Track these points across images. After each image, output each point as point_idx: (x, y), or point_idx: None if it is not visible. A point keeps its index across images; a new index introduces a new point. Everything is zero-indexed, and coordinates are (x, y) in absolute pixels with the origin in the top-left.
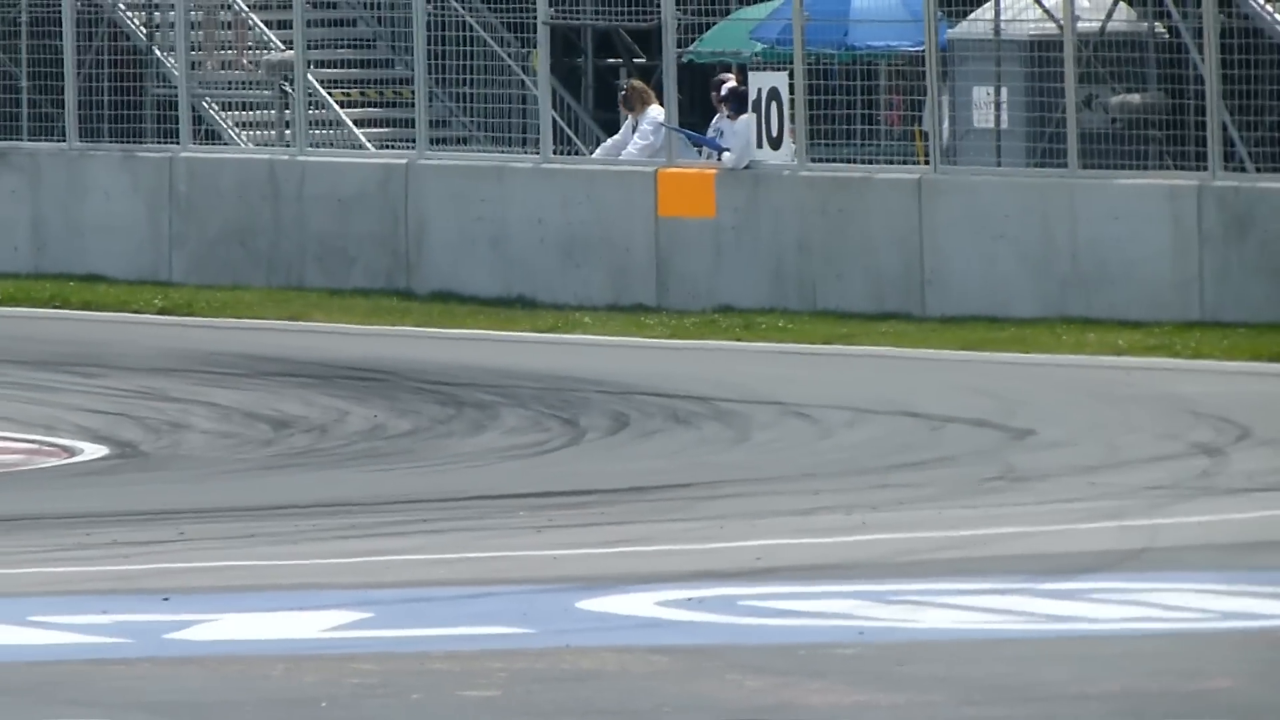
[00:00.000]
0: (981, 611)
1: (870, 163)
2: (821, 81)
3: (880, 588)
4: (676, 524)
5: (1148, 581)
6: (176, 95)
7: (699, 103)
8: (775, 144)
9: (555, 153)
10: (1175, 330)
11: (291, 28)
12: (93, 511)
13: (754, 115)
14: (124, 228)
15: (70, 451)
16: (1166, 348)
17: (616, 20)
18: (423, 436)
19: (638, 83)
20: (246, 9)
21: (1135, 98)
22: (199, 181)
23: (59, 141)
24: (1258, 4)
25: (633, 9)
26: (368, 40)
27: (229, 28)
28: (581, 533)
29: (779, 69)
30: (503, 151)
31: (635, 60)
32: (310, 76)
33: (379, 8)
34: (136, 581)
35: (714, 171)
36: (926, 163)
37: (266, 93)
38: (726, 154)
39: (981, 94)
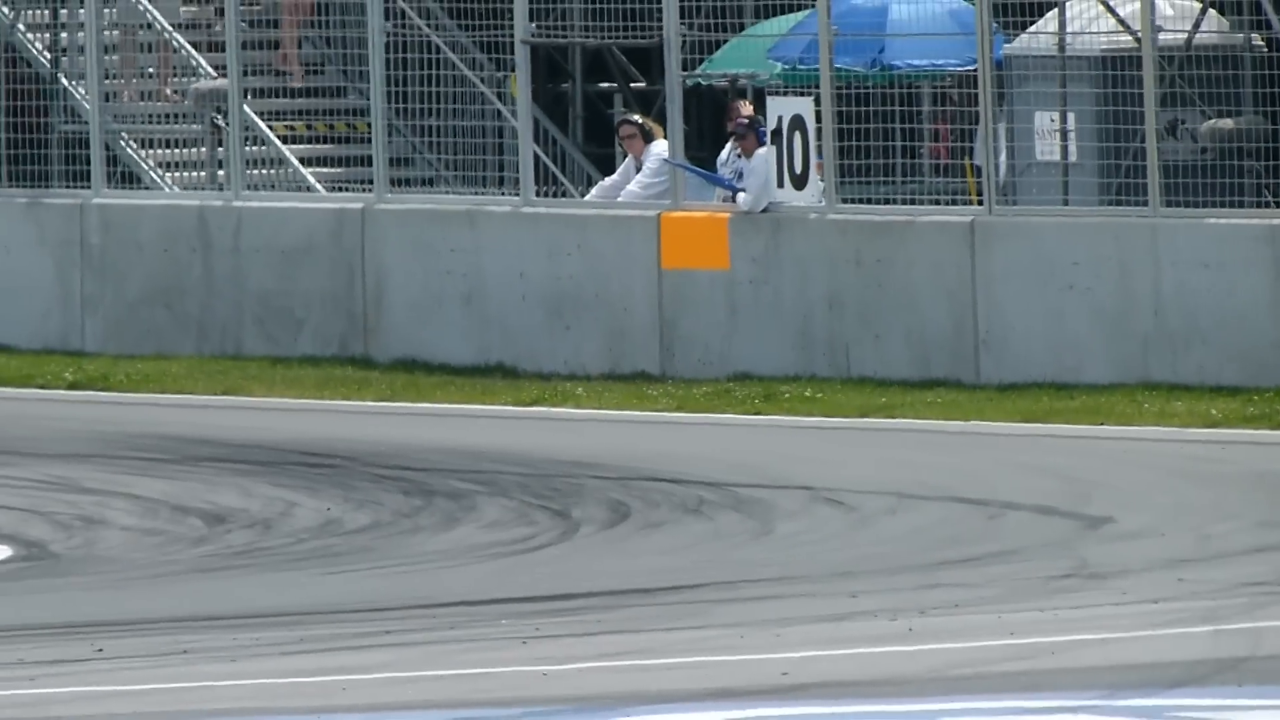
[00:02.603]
0: None
1: (912, 203)
2: (853, 108)
3: (930, 707)
4: (688, 633)
5: (1248, 698)
6: (88, 131)
7: (709, 134)
8: (799, 182)
9: (539, 194)
10: (1278, 396)
11: (224, 51)
12: None
13: (773, 149)
14: (27, 288)
15: None
16: (1268, 417)
17: (610, 37)
18: (385, 532)
19: (640, 119)
20: (170, 29)
21: (1228, 123)
22: (116, 233)
23: None
24: None
25: (629, 24)
26: (315, 65)
27: (149, 51)
28: (575, 644)
29: (803, 93)
30: (476, 193)
31: (633, 85)
32: (247, 108)
33: (328, 25)
34: (45, 708)
35: (727, 215)
36: (980, 203)
37: (195, 127)
38: (742, 195)
39: (1045, 120)
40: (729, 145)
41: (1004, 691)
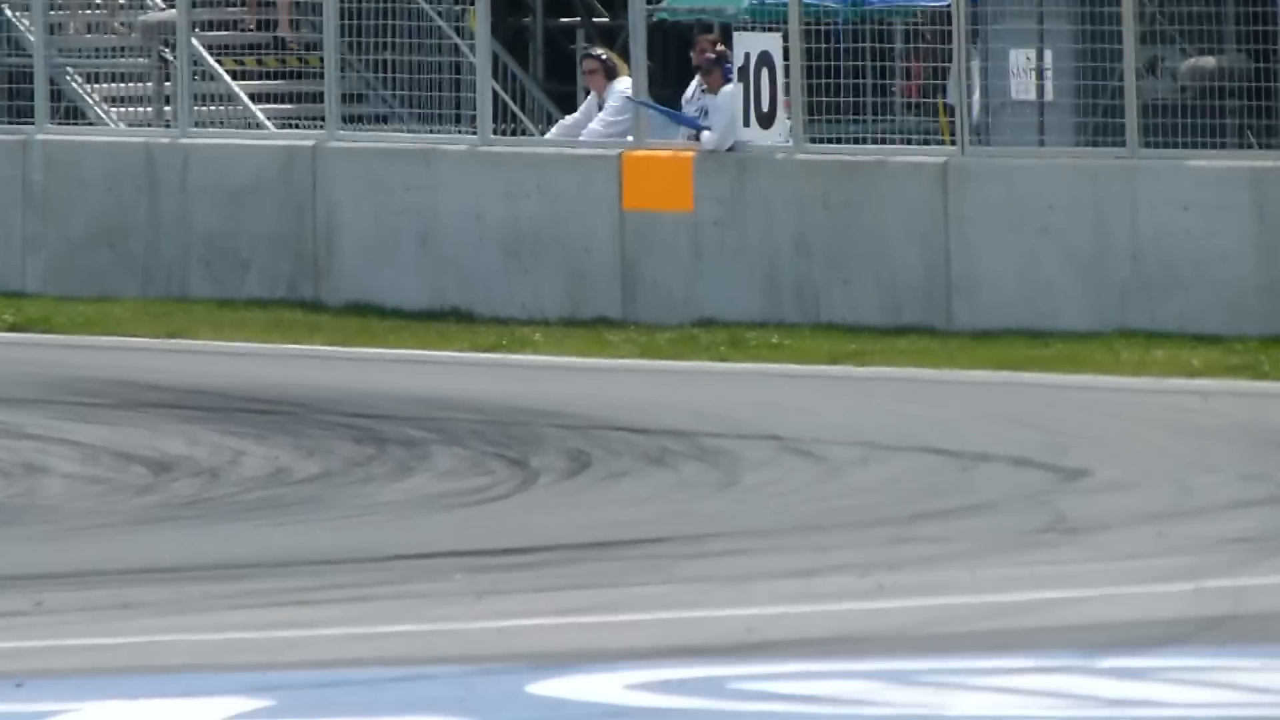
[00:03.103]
0: (1025, 695)
1: (883, 143)
2: (823, 45)
3: (901, 666)
4: (649, 588)
5: (1231, 658)
6: (31, 65)
7: (674, 71)
8: (766, 121)
9: (497, 133)
10: (1261, 346)
11: None
12: None
13: (740, 86)
14: None
15: None
16: (1251, 367)
17: None
18: (335, 482)
19: (603, 54)
20: None
21: (1210, 61)
22: (59, 170)
23: None
24: None
25: None
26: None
27: None
28: (532, 599)
29: (771, 29)
30: (432, 131)
31: (596, 19)
32: (195, 41)
33: None
34: None
35: (691, 155)
36: (953, 143)
37: (142, 61)
38: (706, 134)
39: (1020, 58)
40: (694, 82)
41: (977, 651)
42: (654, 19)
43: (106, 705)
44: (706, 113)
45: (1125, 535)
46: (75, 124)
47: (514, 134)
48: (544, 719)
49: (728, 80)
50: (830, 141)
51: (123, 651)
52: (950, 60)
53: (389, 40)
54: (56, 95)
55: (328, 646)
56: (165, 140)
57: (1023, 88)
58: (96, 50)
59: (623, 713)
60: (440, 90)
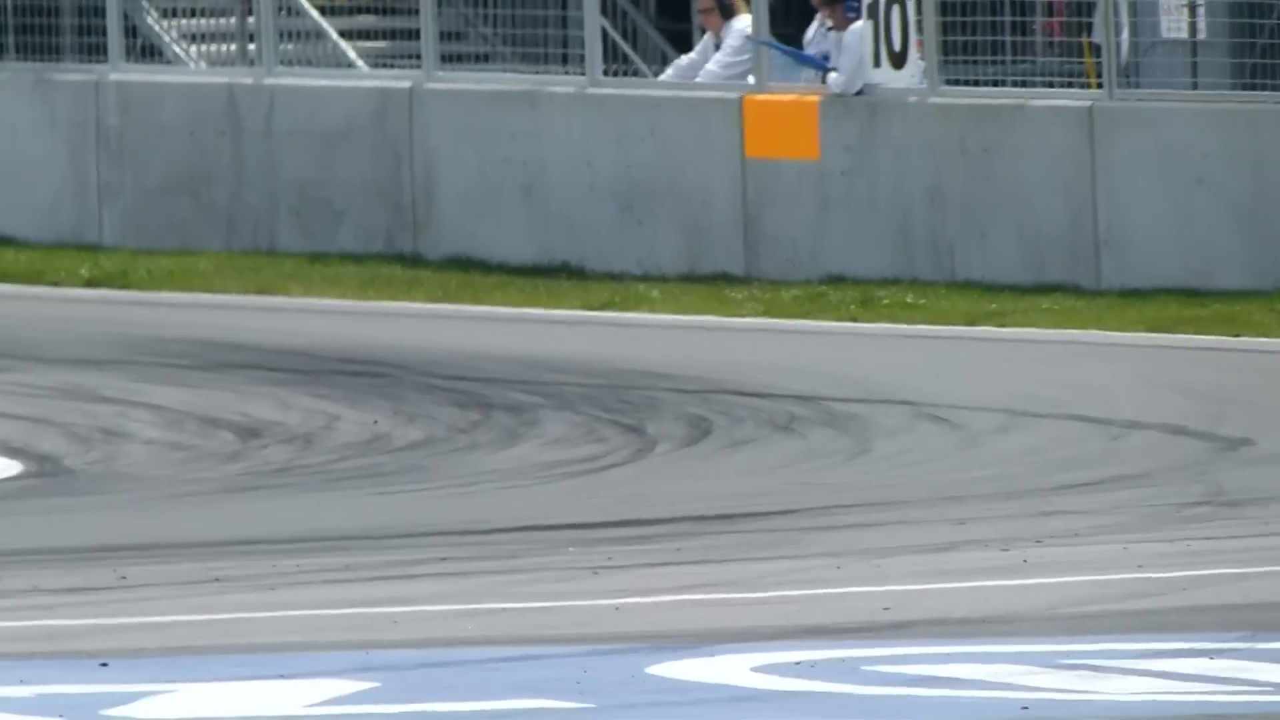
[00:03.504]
0: (1180, 679)
1: (1024, 85)
2: None
3: (1046, 648)
4: (777, 563)
5: None
6: (103, 0)
7: (797, 9)
8: (897, 61)
9: (607, 74)
10: None
11: None
12: (3, 549)
13: (869, 24)
14: (37, 175)
15: None
16: None
17: None
18: (438, 449)
19: None
20: None
21: None
22: (135, 113)
23: None
24: None
25: None
26: None
27: None
28: (651, 575)
29: None
30: (538, 73)
31: None
32: None
33: None
34: (64, 642)
35: (817, 98)
36: (1100, 86)
37: None
38: (833, 75)
39: None
40: (816, 21)
41: (1131, 632)
42: None
43: (199, 687)
44: (829, 55)
45: None
46: (152, 63)
47: (625, 75)
48: (665, 703)
49: (853, 17)
50: (966, 84)
51: (213, 629)
52: None
53: None
54: (131, 32)
55: (433, 625)
56: (249, 81)
57: (1174, 25)
58: None
59: (749, 696)
60: (546, 28)
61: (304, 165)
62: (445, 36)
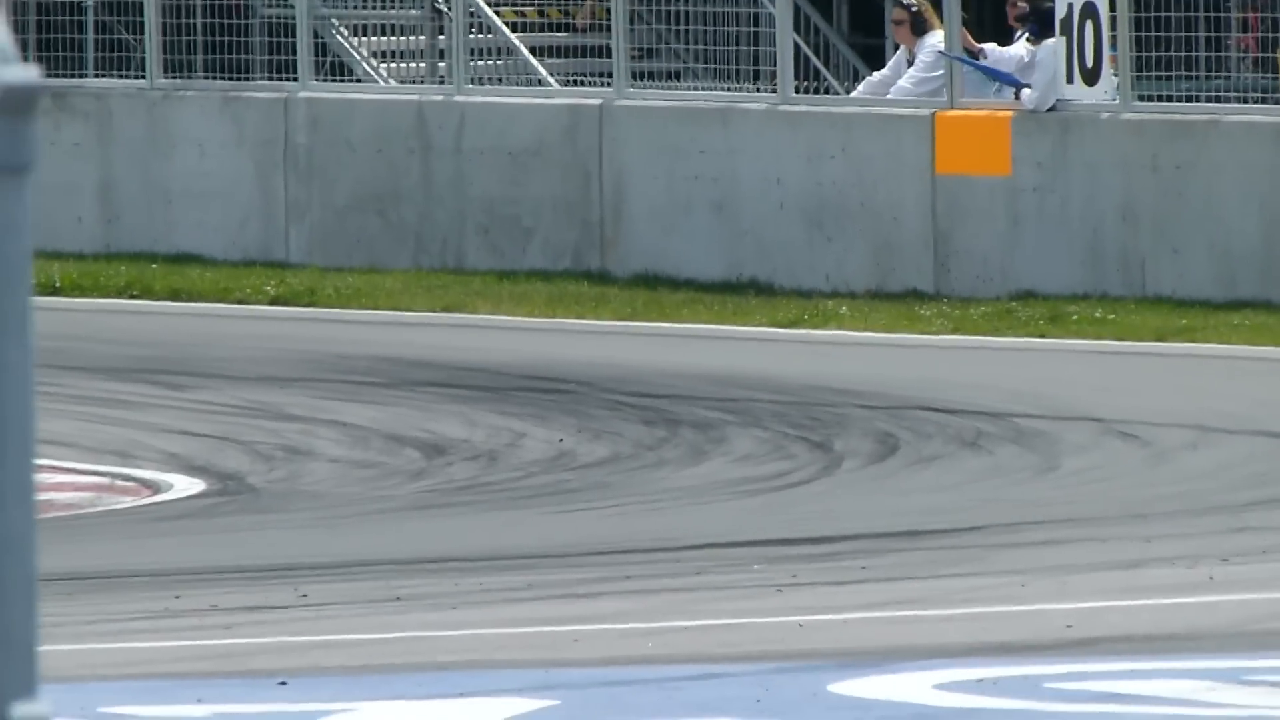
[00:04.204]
0: None
1: (1218, 101)
2: None
3: (1234, 664)
4: (962, 580)
5: None
6: (294, 16)
7: (990, 24)
8: (1090, 77)
9: (799, 90)
10: None
11: None
12: (184, 567)
13: (1062, 40)
14: (224, 192)
15: (154, 487)
16: None
17: None
18: (624, 466)
19: (914, 3)
20: None
21: None
22: (324, 131)
23: (137, 78)
24: None
25: None
26: None
27: None
28: (836, 592)
29: None
30: (729, 89)
31: None
32: None
33: None
34: (244, 660)
35: (1010, 115)
36: None
37: (414, 12)
38: (1026, 91)
39: None
40: (1016, 38)
41: None
42: None
43: (380, 706)
44: (1020, 65)
45: None
46: (341, 80)
47: (817, 92)
48: None
49: (1048, 34)
50: (1159, 99)
51: (394, 647)
52: None
53: None
54: (321, 50)
55: (615, 643)
56: (439, 98)
57: None
58: (364, 0)
59: (932, 714)
60: (738, 45)
61: (493, 182)
62: (637, 53)
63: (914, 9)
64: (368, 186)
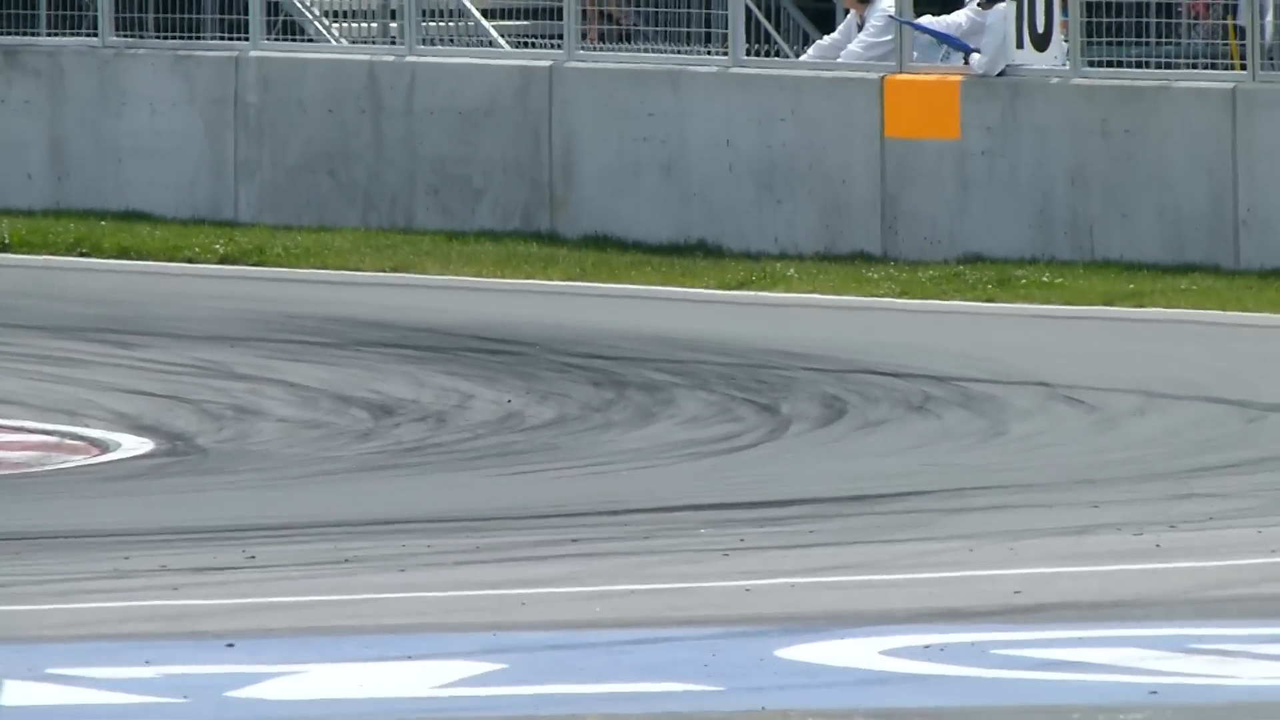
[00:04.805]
0: None
1: (1167, 67)
2: None
3: (1179, 632)
4: (909, 545)
5: None
6: None
7: None
8: (1040, 43)
9: (749, 53)
10: None
11: None
12: (132, 528)
13: (1013, 4)
14: (175, 151)
15: (103, 446)
16: None
17: None
18: (571, 428)
19: None
20: None
21: None
22: (275, 90)
23: (88, 36)
24: None
25: None
26: None
27: None
28: (783, 557)
29: None
30: (679, 51)
31: None
32: None
33: None
34: (191, 622)
35: (959, 79)
36: (1243, 68)
37: None
38: (976, 55)
39: None
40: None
41: (1263, 617)
42: None
43: (327, 668)
44: (968, 29)
45: None
46: (293, 40)
47: (767, 55)
48: (795, 685)
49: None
50: (1109, 65)
51: (343, 609)
52: None
53: None
54: (273, 9)
55: (563, 606)
56: (390, 59)
57: None
58: None
59: (879, 680)
60: (689, 7)
61: (443, 143)
62: (587, 14)
63: None
64: (318, 146)
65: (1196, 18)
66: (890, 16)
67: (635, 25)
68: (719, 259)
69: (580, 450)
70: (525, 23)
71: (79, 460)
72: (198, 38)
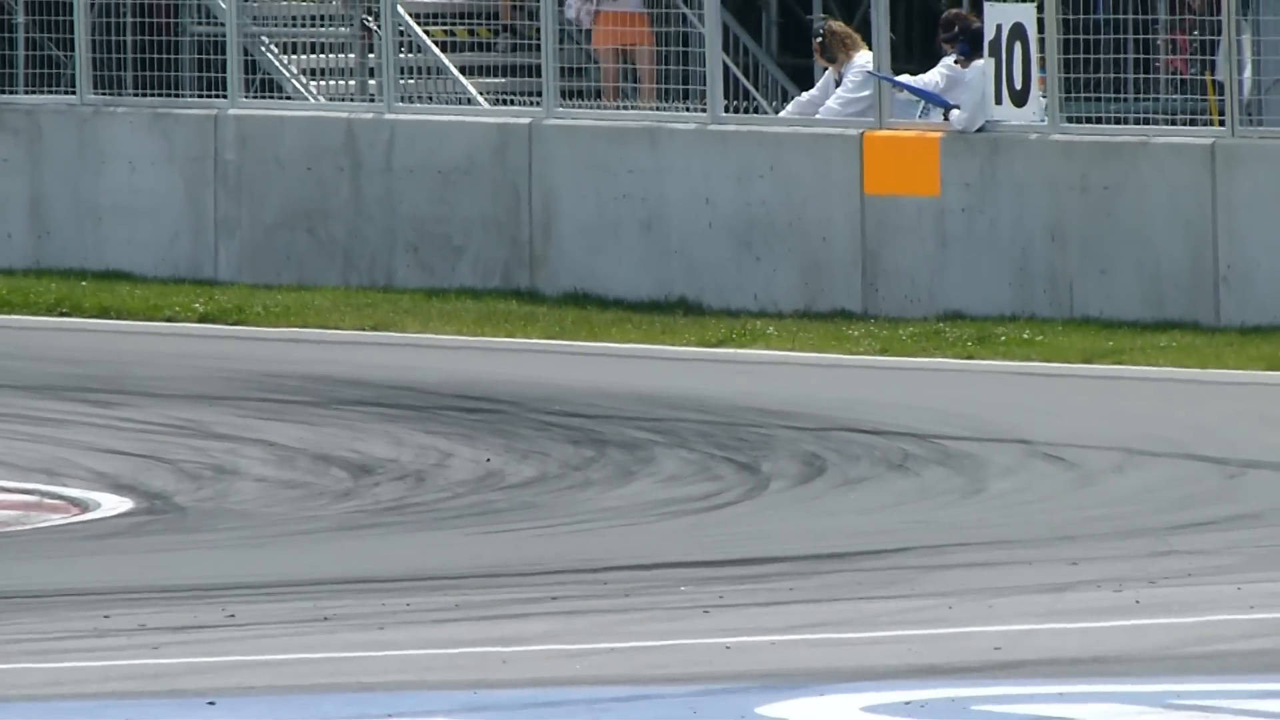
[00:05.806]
0: None
1: (1146, 123)
2: (1081, 15)
3: (1160, 688)
4: (889, 602)
5: None
6: (223, 34)
7: (919, 45)
8: (1019, 99)
9: (728, 110)
10: None
11: None
12: (112, 587)
13: (991, 61)
14: (154, 209)
15: (82, 506)
16: None
17: None
18: (551, 487)
19: (839, 25)
20: None
21: None
22: (254, 148)
23: (67, 94)
24: None
25: None
26: None
27: None
28: (764, 614)
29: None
30: (658, 109)
31: None
32: (401, 8)
33: None
34: (171, 680)
35: (939, 135)
36: (1222, 123)
37: (344, 30)
38: (955, 112)
39: None
40: (944, 60)
41: (1243, 673)
42: None
43: None
44: (945, 86)
45: None
46: (271, 98)
47: (746, 112)
48: None
49: (977, 55)
50: (1088, 121)
51: (323, 668)
52: (1219, 33)
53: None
54: (251, 67)
55: (543, 664)
56: (369, 116)
57: None
58: (294, 18)
59: None
60: (667, 64)
61: (423, 201)
62: (566, 72)
63: (820, 39)
64: (297, 204)
65: (1175, 72)
66: (869, 72)
67: (615, 83)
68: (699, 316)
69: (560, 508)
70: (503, 80)
71: (58, 519)
72: (176, 95)
